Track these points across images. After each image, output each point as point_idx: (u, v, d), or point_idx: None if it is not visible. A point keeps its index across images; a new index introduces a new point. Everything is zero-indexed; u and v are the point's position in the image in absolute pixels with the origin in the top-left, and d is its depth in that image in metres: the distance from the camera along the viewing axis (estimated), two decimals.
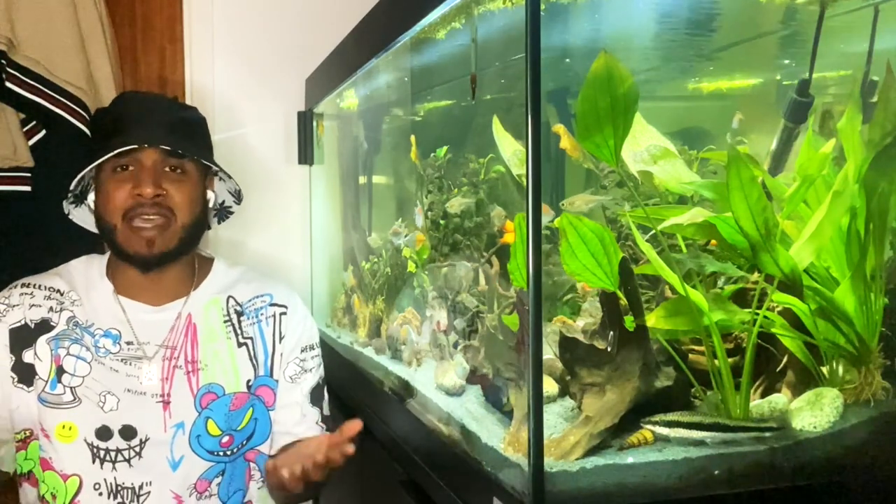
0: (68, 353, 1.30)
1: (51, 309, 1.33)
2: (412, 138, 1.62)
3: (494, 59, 1.22)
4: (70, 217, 1.41)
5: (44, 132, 1.80)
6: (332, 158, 2.11)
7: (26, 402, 1.29)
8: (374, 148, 2.01)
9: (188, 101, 2.03)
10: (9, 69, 1.72)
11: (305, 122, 2.06)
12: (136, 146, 1.27)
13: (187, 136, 1.36)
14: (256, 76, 2.05)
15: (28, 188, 1.78)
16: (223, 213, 1.52)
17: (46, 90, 1.74)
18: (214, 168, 1.37)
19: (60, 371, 1.29)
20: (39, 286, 1.36)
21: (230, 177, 1.41)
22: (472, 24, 1.20)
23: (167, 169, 1.30)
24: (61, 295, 1.35)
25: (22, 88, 1.73)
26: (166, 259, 1.32)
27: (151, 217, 1.27)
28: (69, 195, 1.37)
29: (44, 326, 1.32)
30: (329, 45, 1.77)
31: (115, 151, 1.26)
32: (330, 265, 2.10)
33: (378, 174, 2.03)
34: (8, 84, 1.72)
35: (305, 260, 2.11)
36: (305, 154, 2.07)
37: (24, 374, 1.30)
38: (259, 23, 2.06)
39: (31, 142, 1.79)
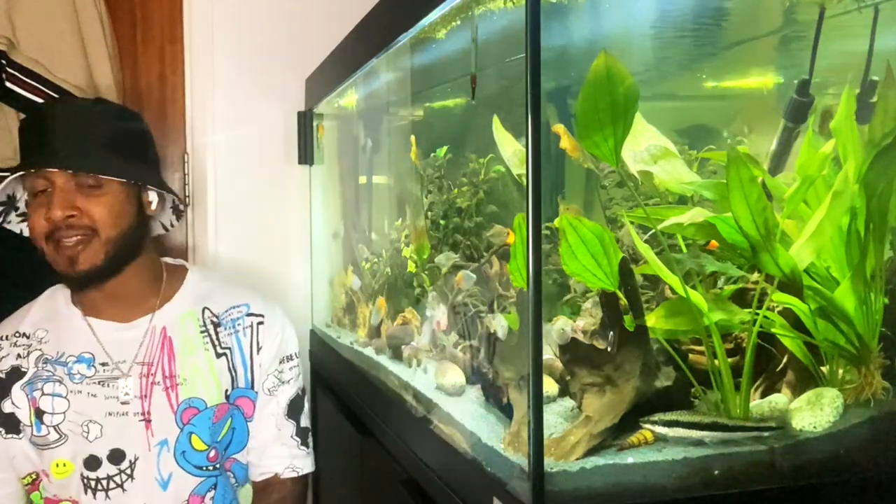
0: (43, 394, 1.29)
1: (18, 356, 1.32)
2: (412, 138, 1.62)
3: (494, 59, 1.22)
4: (8, 227, 1.37)
5: None
6: (332, 158, 2.11)
7: (22, 450, 1.30)
8: (374, 148, 2.01)
9: (188, 101, 2.04)
10: (9, 69, 1.72)
11: (305, 122, 2.06)
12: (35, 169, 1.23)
13: (108, 147, 1.28)
14: (256, 76, 2.05)
15: None
16: (176, 210, 1.44)
17: (46, 90, 1.74)
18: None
19: (40, 413, 1.29)
20: (4, 337, 1.34)
21: (168, 188, 1.35)
22: (473, 24, 1.20)
23: (82, 186, 1.25)
24: (27, 338, 1.33)
25: (22, 88, 1.73)
26: (96, 276, 1.27)
27: (70, 237, 1.24)
28: (6, 207, 1.33)
29: (15, 374, 1.30)
30: (329, 45, 1.77)
31: (15, 175, 1.23)
32: (330, 265, 2.10)
33: (378, 174, 2.03)
34: (8, 84, 1.72)
35: (305, 260, 2.11)
36: (305, 154, 2.07)
37: (9, 424, 1.30)
38: (259, 23, 2.06)
39: None
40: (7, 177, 1.76)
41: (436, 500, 1.14)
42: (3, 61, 1.71)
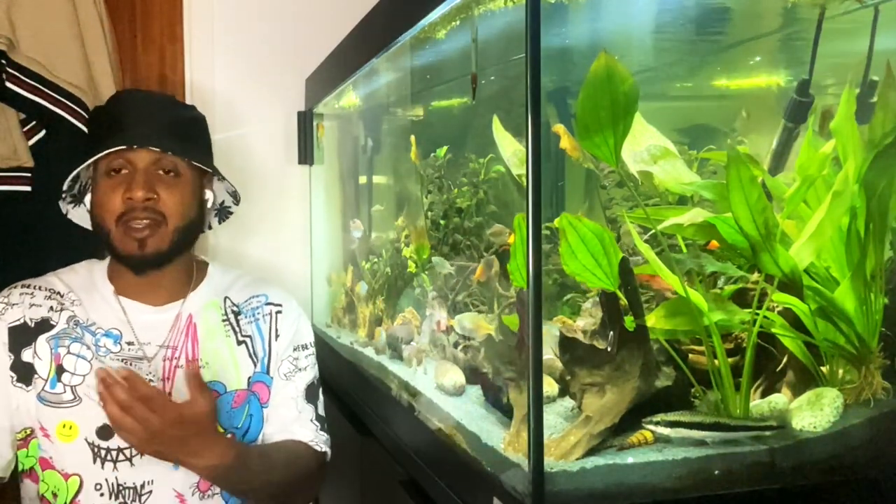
0: (69, 352, 1.30)
1: (51, 308, 1.33)
2: (412, 138, 1.62)
3: (494, 59, 1.23)
4: (69, 216, 1.41)
5: (44, 132, 1.80)
6: (332, 158, 2.11)
7: (25, 402, 1.29)
8: (374, 148, 2.02)
9: (188, 101, 2.03)
10: (9, 69, 1.72)
11: (305, 122, 2.06)
12: (126, 147, 1.26)
13: (184, 136, 1.34)
14: (256, 76, 2.05)
15: (28, 188, 1.78)
16: (223, 213, 1.52)
17: (46, 90, 1.74)
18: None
19: (60, 370, 1.29)
20: (40, 287, 1.36)
21: (225, 178, 1.40)
22: (473, 24, 1.20)
23: (161, 171, 1.29)
24: (61, 296, 1.35)
25: (22, 88, 1.73)
26: (159, 260, 1.31)
27: (142, 220, 1.27)
28: (65, 195, 1.37)
29: (44, 325, 1.31)
30: (329, 45, 1.77)
31: (106, 152, 1.25)
32: (330, 265, 2.10)
33: (378, 174, 2.03)
34: (8, 84, 1.72)
35: (305, 260, 2.12)
36: (305, 154, 2.07)
37: (23, 372, 1.30)
38: (259, 23, 2.06)
39: (31, 142, 1.79)
40: (15, 176, 1.77)
41: (436, 500, 1.14)
42: (3, 61, 1.71)
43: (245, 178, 2.04)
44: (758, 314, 1.04)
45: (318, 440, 1.44)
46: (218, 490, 1.34)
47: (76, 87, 1.75)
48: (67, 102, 1.75)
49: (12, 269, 1.65)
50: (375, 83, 1.83)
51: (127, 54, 2.01)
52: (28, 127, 1.79)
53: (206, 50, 2.03)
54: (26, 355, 1.30)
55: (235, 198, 1.48)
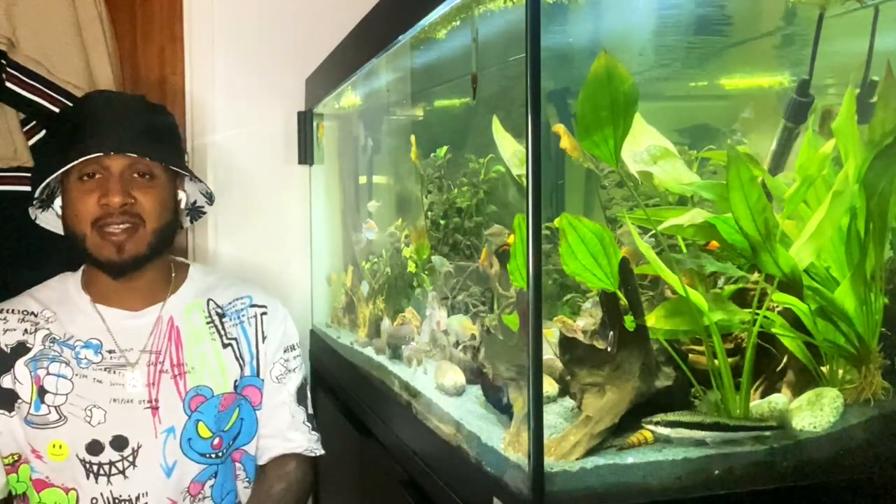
0: (48, 373, 1.29)
1: (25, 331, 1.32)
2: (412, 138, 1.62)
3: (494, 59, 1.22)
4: (37, 222, 1.40)
5: (44, 132, 1.80)
6: (332, 158, 2.11)
7: (9, 427, 1.29)
8: (374, 148, 2.01)
9: (188, 101, 2.04)
10: (9, 69, 1.72)
11: (305, 122, 2.06)
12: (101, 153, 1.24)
13: (157, 138, 1.33)
14: (256, 76, 2.05)
15: (28, 188, 1.78)
16: (195, 212, 1.50)
17: (46, 90, 1.74)
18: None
19: (42, 391, 1.28)
20: (13, 311, 1.34)
21: (201, 180, 1.40)
22: (473, 24, 1.20)
23: (136, 175, 1.28)
24: (35, 316, 1.33)
25: (22, 88, 1.73)
26: (138, 264, 1.30)
27: (120, 224, 1.26)
28: (34, 201, 1.35)
29: (20, 349, 1.30)
30: (329, 45, 1.77)
31: (80, 160, 1.24)
32: (330, 265, 2.10)
33: (378, 174, 2.03)
34: (8, 84, 1.72)
35: (305, 260, 2.12)
36: (305, 154, 2.07)
37: (3, 399, 1.29)
38: (259, 23, 2.06)
39: (31, 142, 1.79)
40: (15, 176, 1.77)
41: (436, 500, 1.14)
42: (3, 61, 1.71)
43: (245, 178, 2.05)
44: (758, 314, 1.04)
45: (311, 442, 1.44)
46: (208, 493, 1.34)
47: (76, 87, 1.75)
48: (67, 102, 1.75)
49: (12, 268, 1.66)
50: (375, 83, 1.83)
51: (127, 54, 2.01)
52: (28, 127, 1.79)
53: (206, 50, 2.03)
54: (6, 381, 1.29)
55: (209, 198, 1.46)
